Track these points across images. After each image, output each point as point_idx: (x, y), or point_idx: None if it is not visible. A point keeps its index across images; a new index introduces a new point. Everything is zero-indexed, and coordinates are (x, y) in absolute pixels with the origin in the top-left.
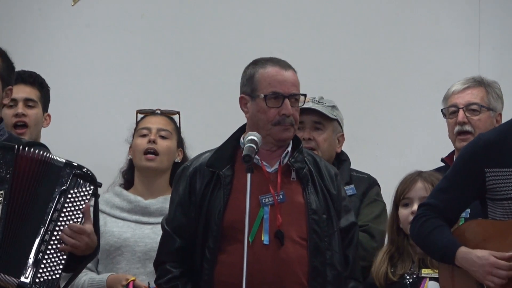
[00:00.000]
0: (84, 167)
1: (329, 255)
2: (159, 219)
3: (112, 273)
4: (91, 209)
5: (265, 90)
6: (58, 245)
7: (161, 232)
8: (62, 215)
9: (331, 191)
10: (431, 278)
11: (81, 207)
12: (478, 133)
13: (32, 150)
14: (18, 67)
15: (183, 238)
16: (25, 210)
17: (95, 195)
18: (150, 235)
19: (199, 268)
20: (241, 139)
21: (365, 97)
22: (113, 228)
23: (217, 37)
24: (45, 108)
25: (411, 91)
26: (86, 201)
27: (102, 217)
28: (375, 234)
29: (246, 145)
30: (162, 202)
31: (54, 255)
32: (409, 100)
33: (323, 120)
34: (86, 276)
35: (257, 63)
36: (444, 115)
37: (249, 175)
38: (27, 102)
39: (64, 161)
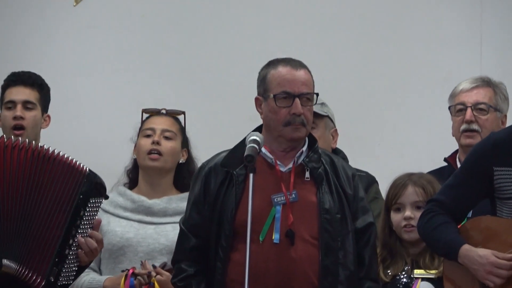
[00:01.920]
0: (100, 178)
1: (342, 254)
2: (163, 219)
3: (110, 276)
4: None
5: (275, 90)
6: (77, 252)
7: (164, 232)
8: (83, 222)
9: (347, 191)
10: (424, 279)
11: (94, 217)
12: (485, 133)
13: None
14: (19, 67)
15: (198, 237)
16: (41, 206)
17: None
18: (153, 235)
19: (213, 267)
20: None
21: (366, 97)
22: (116, 227)
23: (219, 37)
24: (44, 109)
25: (413, 91)
26: (98, 211)
27: (105, 216)
28: (378, 236)
29: (248, 146)
30: (166, 202)
31: (73, 261)
32: (410, 100)
33: (314, 118)
34: (87, 276)
35: (270, 64)
36: (450, 113)
37: (251, 175)
38: (26, 104)
39: (87, 168)
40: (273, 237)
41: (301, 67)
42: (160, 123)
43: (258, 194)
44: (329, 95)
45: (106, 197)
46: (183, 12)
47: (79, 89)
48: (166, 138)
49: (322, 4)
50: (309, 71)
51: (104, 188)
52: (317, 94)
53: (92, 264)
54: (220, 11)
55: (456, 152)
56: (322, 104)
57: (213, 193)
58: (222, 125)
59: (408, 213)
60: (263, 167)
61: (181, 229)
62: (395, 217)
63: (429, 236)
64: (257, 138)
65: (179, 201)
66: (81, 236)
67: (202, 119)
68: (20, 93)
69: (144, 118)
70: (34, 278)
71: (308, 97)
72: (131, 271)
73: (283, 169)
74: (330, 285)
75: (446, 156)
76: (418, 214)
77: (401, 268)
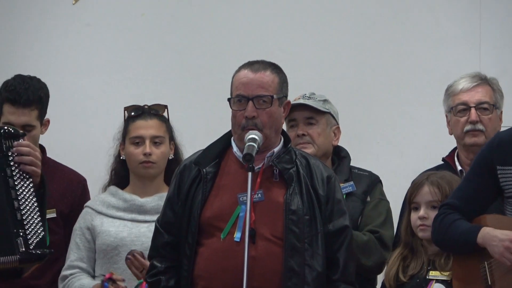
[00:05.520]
0: (5, 127)
1: (309, 255)
2: (155, 217)
3: (97, 283)
4: None
5: (233, 93)
6: (29, 206)
7: None
8: (16, 178)
9: (319, 193)
10: (438, 281)
11: (21, 160)
12: (488, 132)
13: None
14: (19, 66)
15: (171, 234)
16: None
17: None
18: (147, 233)
19: (181, 263)
20: (232, 139)
21: (365, 96)
22: (110, 227)
23: (218, 36)
24: (42, 118)
25: (412, 90)
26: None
27: (98, 217)
28: (387, 242)
29: (247, 144)
30: (157, 200)
31: (30, 217)
32: (409, 98)
33: (315, 114)
34: (78, 281)
35: (239, 67)
36: (448, 112)
37: (249, 174)
38: (25, 127)
39: None
40: (234, 235)
41: (262, 70)
42: (147, 129)
43: (226, 193)
44: (328, 94)
45: (23, 134)
46: (183, 10)
47: (78, 87)
48: (156, 143)
49: (321, 3)
50: (277, 73)
51: (14, 132)
52: (272, 96)
53: (85, 266)
54: (217, 10)
55: (453, 151)
56: (325, 101)
57: (185, 190)
58: (222, 124)
59: (421, 212)
60: (234, 167)
61: (155, 226)
62: (413, 216)
63: (445, 234)
64: (256, 137)
65: None
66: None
67: (201, 118)
68: (19, 116)
69: (127, 117)
70: (9, 260)
71: (265, 99)
72: (107, 276)
73: None
74: (295, 286)
75: (445, 155)
76: (433, 213)
77: (419, 267)
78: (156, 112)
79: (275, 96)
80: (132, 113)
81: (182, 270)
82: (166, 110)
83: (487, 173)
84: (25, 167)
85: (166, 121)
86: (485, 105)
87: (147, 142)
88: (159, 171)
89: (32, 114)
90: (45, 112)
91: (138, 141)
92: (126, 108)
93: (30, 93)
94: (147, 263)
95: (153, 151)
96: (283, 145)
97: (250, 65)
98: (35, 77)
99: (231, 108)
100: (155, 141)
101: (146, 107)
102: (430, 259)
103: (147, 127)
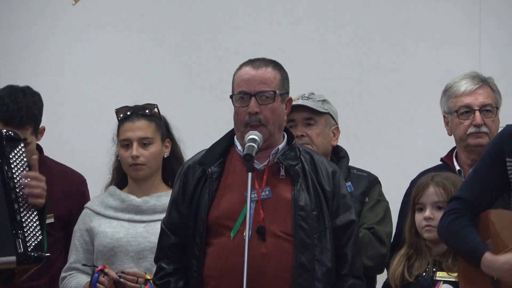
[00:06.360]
0: (6, 130)
1: (318, 251)
2: (152, 217)
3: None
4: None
5: (235, 90)
6: (29, 210)
7: (154, 230)
8: (15, 181)
9: (325, 188)
10: (446, 281)
11: (24, 164)
12: (493, 134)
13: None
14: (18, 66)
15: (177, 235)
16: None
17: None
18: (143, 234)
19: (189, 264)
20: (235, 138)
21: (365, 97)
22: (107, 228)
23: (218, 36)
24: (37, 130)
25: (412, 90)
26: (24, 155)
27: (96, 218)
28: (384, 238)
29: (247, 145)
30: (155, 199)
31: (29, 219)
32: (409, 99)
33: (313, 115)
34: (75, 279)
35: (240, 65)
36: (447, 113)
37: (250, 174)
38: None
39: None
40: (244, 234)
41: (264, 66)
42: (134, 131)
43: (232, 191)
44: (328, 95)
45: (25, 139)
46: (182, 11)
47: (77, 88)
48: (144, 144)
49: (321, 3)
50: (279, 70)
51: (14, 135)
52: (275, 92)
53: (87, 268)
54: (217, 10)
55: (452, 151)
56: (324, 101)
57: (190, 191)
58: (221, 124)
59: (427, 213)
60: (239, 165)
61: (161, 228)
62: (418, 217)
63: (453, 239)
64: (256, 137)
65: (169, 197)
66: (23, 188)
67: (201, 118)
68: None
69: (119, 118)
70: (6, 261)
71: (267, 95)
72: (100, 268)
73: (258, 166)
74: (306, 282)
75: (444, 155)
76: (438, 214)
77: (424, 268)
78: (144, 112)
79: (277, 92)
80: (121, 116)
81: (191, 271)
82: (156, 109)
83: (496, 164)
84: (34, 199)
85: (156, 121)
86: (488, 107)
87: (134, 144)
88: (149, 172)
89: (27, 132)
90: (40, 123)
91: (127, 143)
92: (116, 111)
93: (23, 114)
94: (136, 270)
95: (141, 153)
96: (287, 142)
97: (251, 62)
98: (27, 90)
99: (233, 105)
100: (144, 143)
101: (136, 107)
102: (436, 260)
103: (134, 129)
